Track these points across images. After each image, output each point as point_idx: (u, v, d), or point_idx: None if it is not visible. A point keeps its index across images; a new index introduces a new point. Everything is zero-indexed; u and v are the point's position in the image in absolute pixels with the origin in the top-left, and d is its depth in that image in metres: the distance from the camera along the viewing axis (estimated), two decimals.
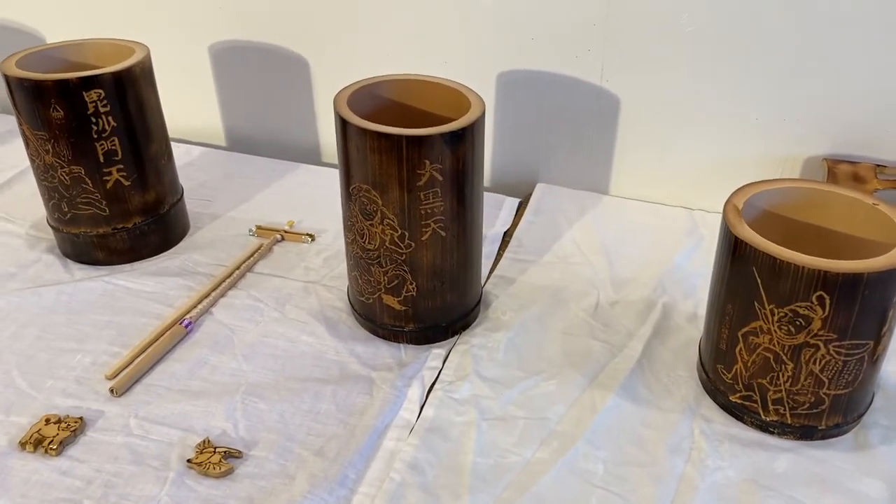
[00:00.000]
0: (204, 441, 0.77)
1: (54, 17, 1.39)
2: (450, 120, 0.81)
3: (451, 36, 1.15)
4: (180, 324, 0.92)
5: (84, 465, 0.75)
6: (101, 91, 0.93)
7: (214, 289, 1.00)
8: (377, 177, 0.79)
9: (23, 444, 0.77)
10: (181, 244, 1.10)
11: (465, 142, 0.79)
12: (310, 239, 1.10)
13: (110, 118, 0.95)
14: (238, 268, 1.04)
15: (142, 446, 0.77)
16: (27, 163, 1.28)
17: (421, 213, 0.80)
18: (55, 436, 0.77)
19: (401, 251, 0.83)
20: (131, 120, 0.97)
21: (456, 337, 0.91)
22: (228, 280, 1.01)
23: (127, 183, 1.00)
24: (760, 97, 1.06)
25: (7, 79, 0.94)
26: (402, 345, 0.90)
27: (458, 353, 0.88)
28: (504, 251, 1.07)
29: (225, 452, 0.76)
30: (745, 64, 1.04)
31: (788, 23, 0.99)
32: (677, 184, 1.17)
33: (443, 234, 0.82)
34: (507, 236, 1.11)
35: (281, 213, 1.17)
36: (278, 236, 1.10)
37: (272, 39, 1.26)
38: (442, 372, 0.86)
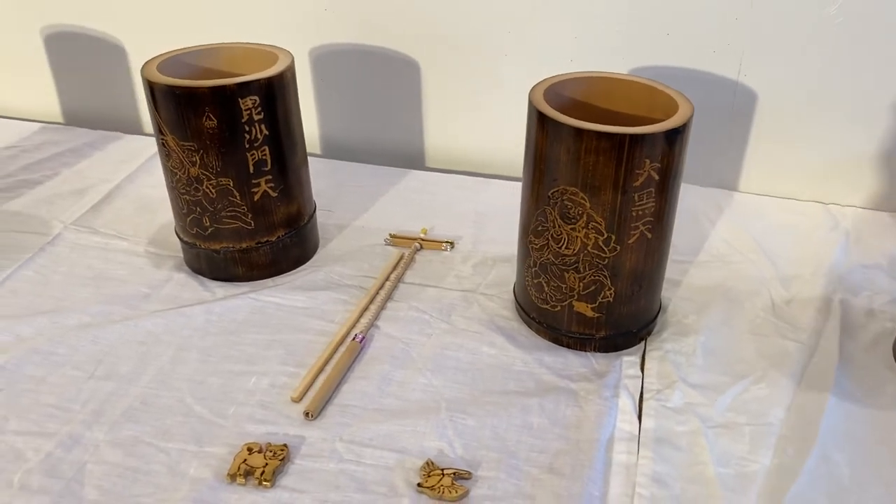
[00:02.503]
0: (427, 463, 0.73)
1: (136, 24, 1.33)
2: (637, 118, 0.78)
3: (580, 32, 1.12)
4: (353, 339, 0.88)
5: (306, 495, 0.70)
6: (256, 98, 0.88)
7: (371, 301, 0.95)
8: (589, 178, 0.75)
9: (232, 476, 0.72)
10: (316, 257, 1.05)
11: (682, 140, 0.76)
12: (450, 246, 1.06)
13: (263, 126, 0.90)
14: (388, 278, 0.99)
15: (359, 472, 0.73)
16: (119, 177, 1.24)
17: (632, 214, 0.77)
18: (265, 465, 0.72)
19: (603, 255, 0.80)
20: (279, 128, 0.93)
21: (642, 343, 0.88)
22: (383, 291, 0.96)
23: (274, 194, 0.95)
24: None
25: (152, 87, 0.88)
26: (588, 353, 0.87)
27: (654, 360, 0.85)
28: None
29: (454, 474, 0.71)
30: (888, 54, 1.02)
31: None
32: (808, 178, 1.15)
33: (649, 235, 0.79)
34: None
35: (406, 220, 1.12)
36: (417, 245, 1.06)
37: (384, 42, 1.22)
38: (645, 380, 0.83)
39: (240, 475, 0.71)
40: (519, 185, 1.21)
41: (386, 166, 1.29)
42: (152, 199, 1.18)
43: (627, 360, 0.85)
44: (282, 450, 0.74)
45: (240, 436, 0.77)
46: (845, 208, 1.13)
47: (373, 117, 1.29)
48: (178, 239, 1.02)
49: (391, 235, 1.08)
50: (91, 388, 0.82)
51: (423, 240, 1.07)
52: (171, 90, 0.86)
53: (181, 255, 1.04)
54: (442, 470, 0.72)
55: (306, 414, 0.78)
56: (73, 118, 1.46)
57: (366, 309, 0.94)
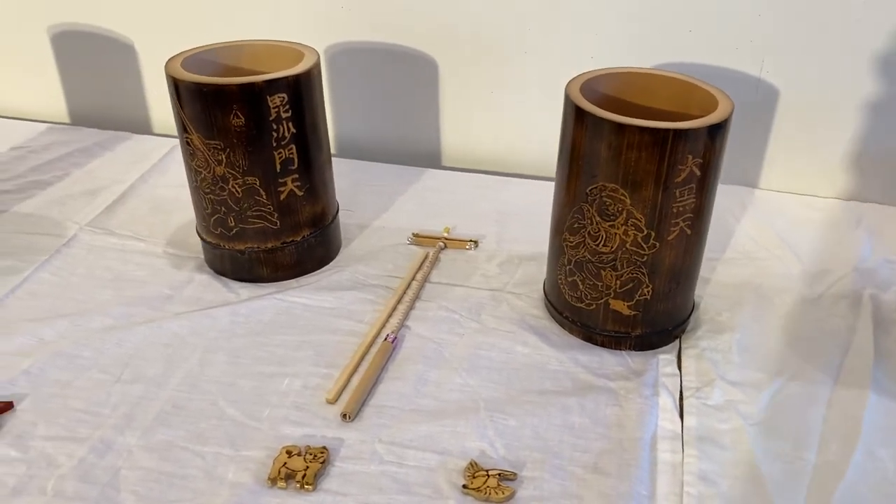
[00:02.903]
0: (471, 464, 0.71)
1: (145, 23, 1.31)
2: (672, 114, 0.78)
3: (601, 29, 1.12)
4: (385, 339, 0.86)
5: (349, 498, 0.69)
6: (284, 95, 0.87)
7: (399, 301, 0.94)
8: (631, 174, 0.75)
9: (272, 480, 0.70)
10: (340, 257, 1.04)
11: (723, 135, 0.75)
12: (474, 245, 1.05)
13: (290, 124, 0.89)
14: (414, 278, 0.98)
15: (402, 474, 0.71)
16: (132, 177, 1.22)
17: (672, 210, 0.76)
18: (306, 469, 0.71)
19: (642, 252, 0.79)
20: (306, 126, 0.91)
21: (677, 341, 0.87)
22: (411, 291, 0.95)
23: (300, 193, 0.94)
24: None
25: (177, 84, 0.87)
26: (623, 351, 0.86)
27: (691, 358, 0.85)
28: None
29: (499, 475, 0.70)
30: None
31: None
32: (828, 174, 1.15)
33: (688, 232, 0.79)
34: None
35: (426, 219, 1.11)
36: (441, 244, 1.05)
37: (401, 40, 1.20)
38: (683, 378, 0.82)
39: (280, 479, 0.70)
40: (540, 183, 1.21)
41: (402, 165, 1.27)
42: (166, 200, 1.17)
43: (664, 359, 0.85)
44: (322, 452, 0.73)
45: (276, 438, 0.75)
46: (865, 204, 1.13)
47: (388, 116, 1.28)
48: (198, 239, 1.01)
49: (414, 235, 1.06)
50: (119, 391, 0.81)
51: (446, 239, 1.06)
52: (199, 88, 0.85)
53: (201, 255, 1.02)
54: (486, 471, 0.71)
55: (344, 416, 0.77)
56: (80, 118, 1.44)
57: (394, 309, 0.93)
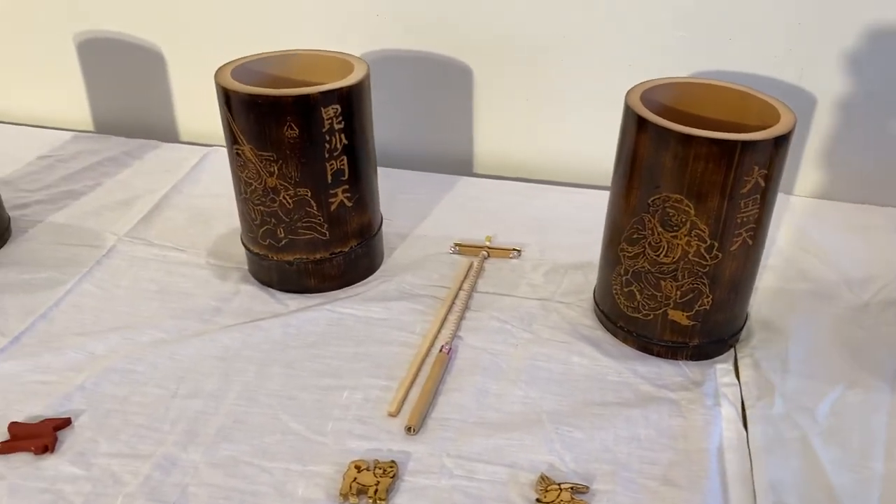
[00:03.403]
0: (542, 478, 0.71)
1: (173, 31, 1.30)
2: (728, 125, 0.78)
3: (641, 37, 1.12)
4: (440, 350, 0.86)
5: None
6: (337, 107, 0.87)
7: (449, 311, 0.94)
8: (696, 185, 0.75)
9: (344, 496, 0.70)
10: (383, 267, 1.03)
11: (787, 146, 0.76)
12: (517, 254, 1.05)
13: (342, 136, 0.89)
14: (461, 288, 0.98)
15: (473, 488, 0.71)
16: (165, 187, 1.22)
17: (737, 221, 0.77)
18: (377, 484, 0.70)
19: (704, 263, 0.79)
20: (356, 137, 0.91)
21: (731, 350, 0.88)
22: (459, 301, 0.95)
23: (349, 204, 0.93)
24: None
25: (228, 95, 0.86)
26: (680, 361, 0.86)
27: (748, 367, 0.85)
28: None
29: (571, 488, 0.70)
30: None
31: None
32: (864, 181, 1.16)
33: (750, 242, 0.79)
34: None
35: (466, 228, 1.11)
36: (484, 253, 1.05)
37: (436, 48, 1.20)
38: (743, 388, 0.82)
39: (352, 494, 0.70)
40: (578, 190, 1.21)
41: (435, 173, 1.27)
42: (202, 210, 1.16)
43: (721, 368, 0.85)
44: (391, 466, 0.72)
45: (343, 453, 0.75)
46: None
47: (421, 124, 1.28)
48: (240, 249, 1.00)
49: (457, 244, 1.06)
50: (178, 406, 0.80)
51: (489, 248, 1.06)
52: (253, 99, 0.84)
53: (244, 266, 1.02)
54: (559, 484, 0.70)
55: (408, 429, 0.77)
56: (105, 126, 1.43)
57: (445, 319, 0.92)
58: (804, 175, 1.17)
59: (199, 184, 1.23)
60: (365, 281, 1.00)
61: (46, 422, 0.77)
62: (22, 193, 1.19)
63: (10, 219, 1.10)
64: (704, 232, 0.77)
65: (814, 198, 1.18)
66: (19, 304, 0.94)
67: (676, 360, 0.86)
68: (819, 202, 1.17)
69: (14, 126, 1.41)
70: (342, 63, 0.93)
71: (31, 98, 1.43)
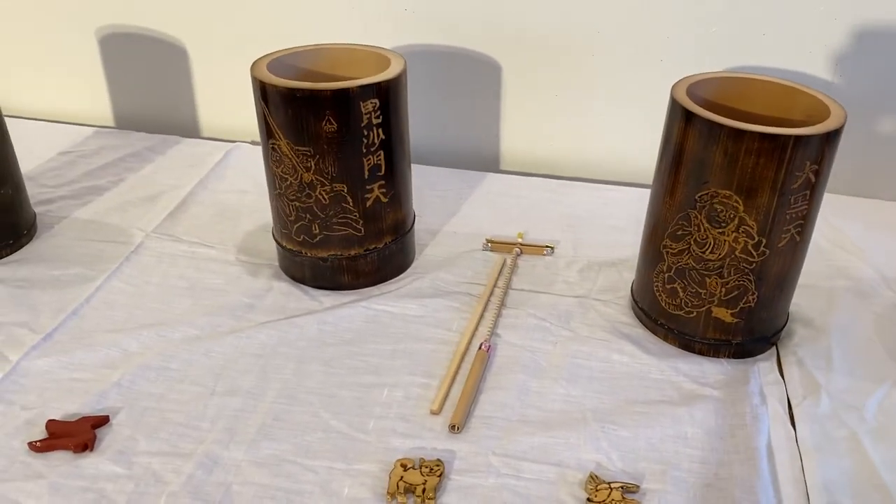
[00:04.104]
0: (592, 477, 0.70)
1: (196, 25, 1.29)
2: (773, 120, 0.77)
3: (673, 32, 1.11)
4: (479, 348, 0.85)
5: None
6: (376, 101, 0.85)
7: (485, 308, 0.93)
8: (747, 181, 0.74)
9: (391, 495, 0.69)
10: (416, 263, 1.02)
11: (837, 141, 0.75)
12: (550, 251, 1.04)
13: (380, 131, 0.88)
14: (496, 284, 0.97)
15: (521, 487, 0.70)
16: (191, 183, 1.21)
17: (786, 217, 0.76)
18: (424, 482, 0.69)
19: (751, 260, 0.78)
20: (393, 132, 0.90)
21: (773, 348, 0.87)
22: (495, 298, 0.94)
23: (385, 200, 0.92)
24: None
25: (265, 88, 0.85)
26: (722, 359, 0.85)
27: (792, 365, 0.84)
28: None
29: (622, 488, 0.69)
30: None
31: None
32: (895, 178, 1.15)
33: (797, 238, 0.78)
34: None
35: (497, 225, 1.10)
36: (517, 250, 1.03)
37: (466, 44, 1.19)
38: (788, 386, 0.81)
39: (399, 493, 0.69)
40: (607, 186, 1.20)
41: (462, 169, 1.26)
42: (229, 206, 1.15)
43: (764, 366, 0.84)
44: (437, 465, 0.71)
45: (387, 451, 0.74)
46: None
47: (449, 119, 1.27)
48: (270, 245, 0.99)
49: (489, 240, 1.05)
50: (216, 404, 0.79)
51: (522, 245, 1.05)
52: (291, 93, 0.83)
53: (275, 262, 1.01)
54: (609, 484, 0.69)
55: (452, 427, 0.75)
56: (125, 121, 1.42)
57: (482, 316, 0.91)
58: (837, 170, 1.16)
59: (224, 180, 1.22)
60: (398, 278, 0.99)
61: (84, 419, 0.76)
62: (45, 189, 1.18)
63: (35, 214, 1.08)
64: (753, 228, 0.76)
65: (847, 195, 1.17)
66: (50, 301, 0.93)
67: (718, 357, 0.85)
68: (853, 199, 1.16)
69: (35, 122, 1.40)
70: (378, 57, 0.92)
71: (52, 93, 1.42)
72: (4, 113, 1.47)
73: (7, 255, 1.01)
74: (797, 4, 1.05)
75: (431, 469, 0.71)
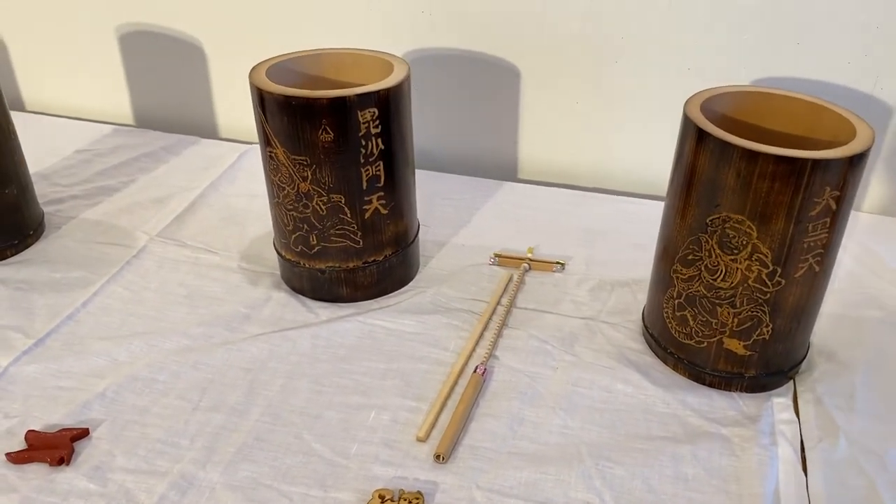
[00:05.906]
0: None
1: (215, 25, 1.27)
2: (796, 139, 0.71)
3: (702, 40, 1.05)
4: (474, 371, 0.81)
5: None
6: (374, 110, 0.82)
7: (485, 328, 0.88)
8: (760, 206, 0.68)
9: None
10: (419, 277, 0.99)
11: (863, 165, 0.68)
12: (560, 267, 0.99)
13: (379, 140, 0.84)
14: (499, 302, 0.93)
15: None
16: (201, 185, 1.19)
17: (803, 246, 0.70)
18: None
19: (765, 289, 0.73)
20: (393, 143, 0.86)
21: (791, 383, 0.81)
22: (497, 317, 0.90)
23: (384, 212, 0.89)
24: None
25: (262, 95, 0.82)
26: (734, 393, 0.80)
27: (809, 403, 0.78)
28: None
29: None
30: None
31: None
32: None
33: (816, 269, 0.72)
34: None
35: (507, 237, 1.06)
36: (525, 265, 0.99)
37: (484, 48, 1.15)
38: (803, 426, 0.75)
39: None
40: (627, 200, 1.15)
41: (476, 177, 1.22)
42: (237, 210, 1.13)
43: (778, 403, 0.78)
44: (417, 498, 0.68)
45: (367, 479, 0.70)
46: None
47: (465, 126, 1.23)
48: (273, 254, 0.97)
49: (497, 255, 1.01)
50: (199, 420, 0.77)
51: (531, 260, 1.00)
52: (287, 101, 0.80)
53: (277, 271, 0.98)
54: None
55: (437, 457, 0.72)
56: (144, 120, 1.41)
57: (481, 336, 0.87)
58: (874, 190, 1.09)
59: (235, 183, 1.20)
60: (399, 291, 0.95)
61: (64, 432, 0.74)
62: (57, 188, 1.17)
63: (43, 214, 1.08)
64: (767, 256, 0.71)
65: (884, 215, 1.10)
66: (47, 304, 0.92)
67: (730, 391, 0.80)
68: (890, 220, 1.09)
69: (54, 118, 1.40)
70: (382, 63, 0.89)
71: (72, 90, 1.42)
72: (30, 109, 1.48)
73: (11, 255, 1.01)
74: (835, 12, 0.98)
75: (410, 502, 0.67)
